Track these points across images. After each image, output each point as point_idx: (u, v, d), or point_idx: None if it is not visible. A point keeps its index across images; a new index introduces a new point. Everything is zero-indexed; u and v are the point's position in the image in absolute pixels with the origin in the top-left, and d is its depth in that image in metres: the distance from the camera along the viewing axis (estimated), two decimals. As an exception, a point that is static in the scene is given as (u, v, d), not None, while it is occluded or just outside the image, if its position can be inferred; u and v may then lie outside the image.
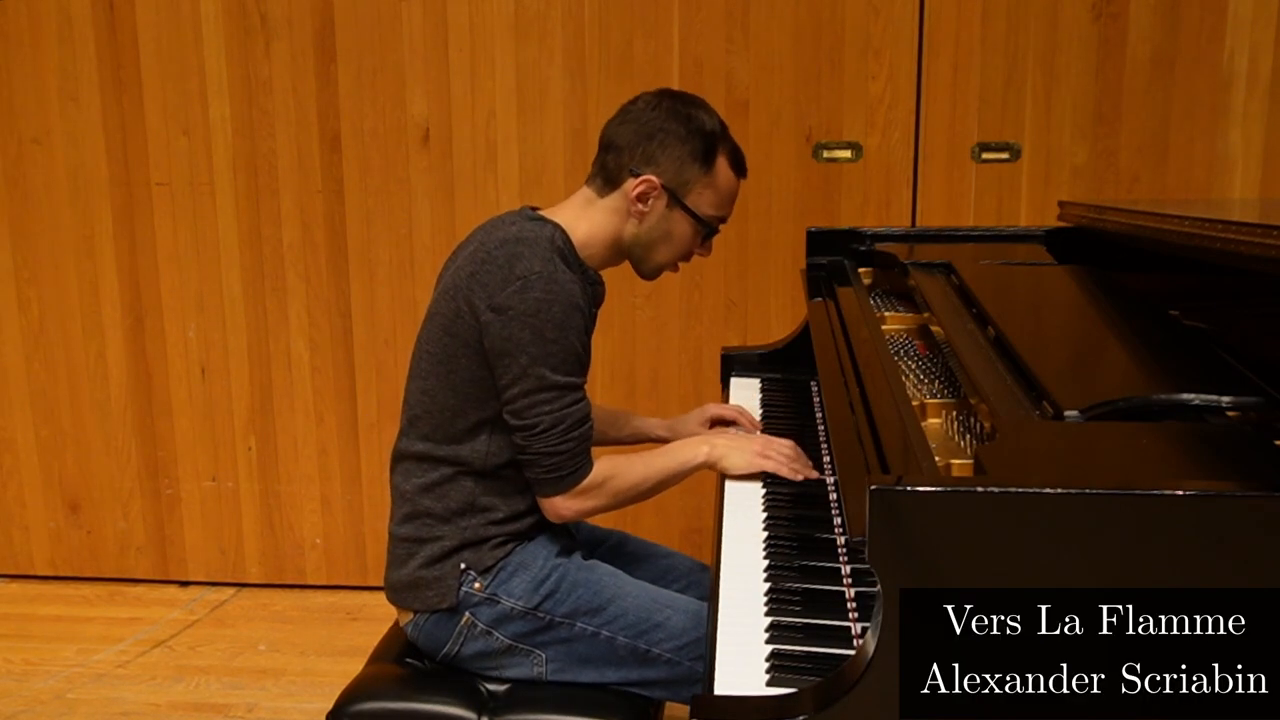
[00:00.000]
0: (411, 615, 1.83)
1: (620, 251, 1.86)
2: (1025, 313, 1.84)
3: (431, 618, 1.80)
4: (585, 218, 1.83)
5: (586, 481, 1.75)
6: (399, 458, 1.86)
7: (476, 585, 1.78)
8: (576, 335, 1.72)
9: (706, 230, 1.86)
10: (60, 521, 3.36)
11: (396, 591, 1.84)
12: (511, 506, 1.80)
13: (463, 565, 1.79)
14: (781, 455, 1.82)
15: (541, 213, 1.83)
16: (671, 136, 1.79)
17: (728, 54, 2.95)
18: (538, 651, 1.78)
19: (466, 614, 1.78)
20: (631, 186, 1.79)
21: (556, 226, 1.78)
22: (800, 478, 1.80)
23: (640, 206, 1.80)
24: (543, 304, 1.68)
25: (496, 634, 1.78)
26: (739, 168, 1.87)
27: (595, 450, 1.81)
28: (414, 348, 1.85)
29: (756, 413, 2.17)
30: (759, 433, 2.02)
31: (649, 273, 1.90)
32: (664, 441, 2.02)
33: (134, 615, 3.22)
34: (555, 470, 1.73)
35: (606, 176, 1.83)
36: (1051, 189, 2.92)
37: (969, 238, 2.40)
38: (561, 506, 1.77)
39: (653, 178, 1.79)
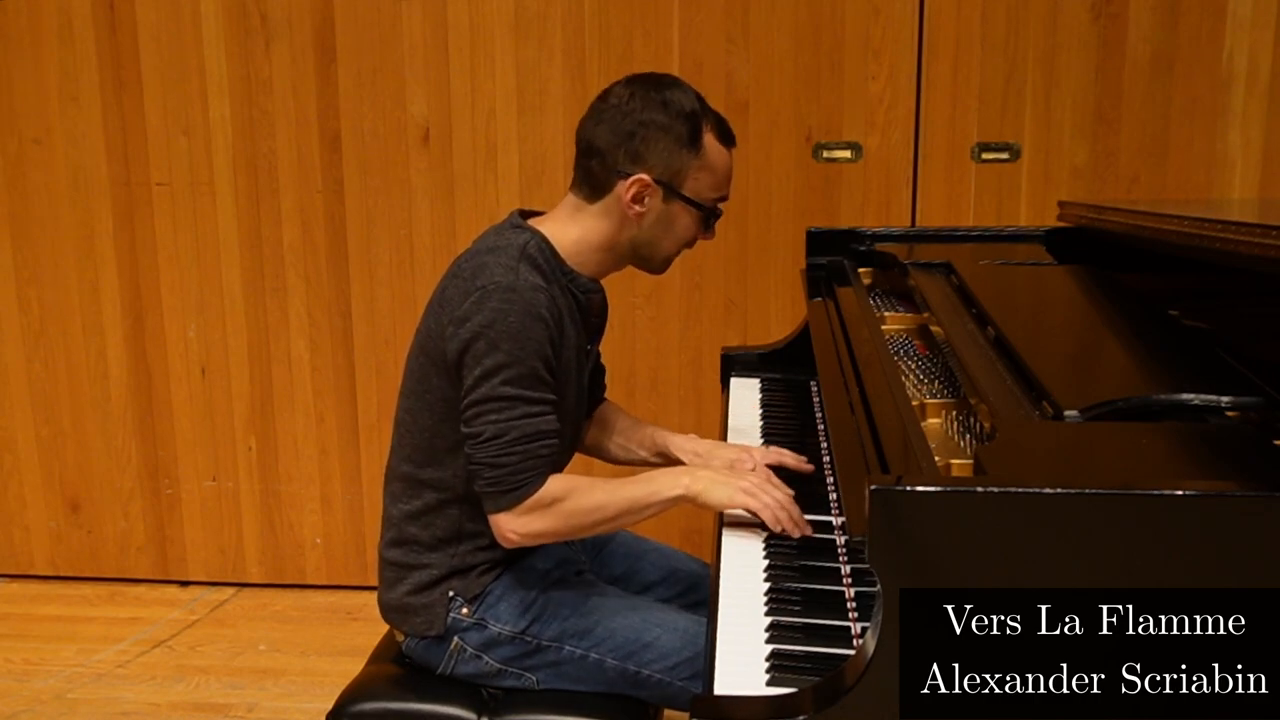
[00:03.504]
0: (404, 636, 1.83)
1: (620, 255, 1.79)
2: (1025, 313, 1.84)
3: (423, 641, 1.79)
4: (574, 225, 1.75)
5: (533, 499, 1.64)
6: (388, 478, 1.83)
7: (464, 611, 1.76)
8: (535, 347, 1.63)
9: (710, 215, 1.78)
10: (60, 521, 3.36)
11: (387, 612, 1.84)
12: None
13: (450, 593, 1.76)
14: (770, 499, 1.67)
15: (530, 221, 1.78)
16: (654, 128, 1.70)
17: (728, 54, 2.95)
18: (528, 674, 1.77)
19: (456, 639, 1.77)
20: (624, 190, 1.71)
21: (535, 234, 1.72)
22: (779, 528, 1.65)
23: (637, 208, 1.72)
24: (499, 314, 1.61)
25: (486, 658, 1.76)
26: (727, 139, 1.77)
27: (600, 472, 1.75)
28: (405, 362, 1.82)
29: (756, 413, 2.17)
30: (763, 462, 1.85)
31: (658, 268, 1.83)
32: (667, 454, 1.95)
33: (134, 615, 3.22)
34: (495, 484, 1.64)
35: (593, 183, 1.74)
36: (1051, 189, 2.92)
37: (969, 238, 2.40)
38: (505, 525, 1.66)
39: (644, 176, 1.70)
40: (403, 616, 1.80)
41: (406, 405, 1.78)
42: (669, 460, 1.96)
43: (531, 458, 1.63)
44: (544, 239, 1.72)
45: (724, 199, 1.80)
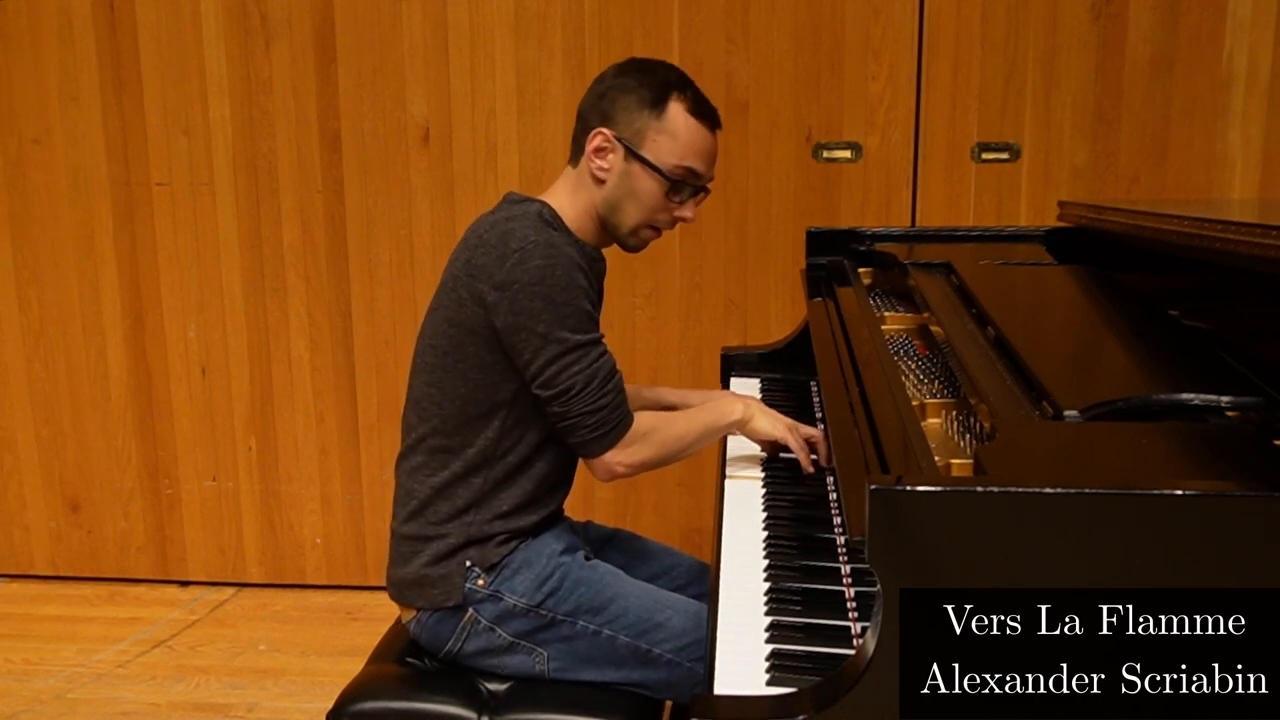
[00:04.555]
0: (415, 612, 1.83)
1: (598, 219, 1.84)
2: (1025, 313, 1.84)
3: (435, 614, 1.80)
4: (569, 194, 1.83)
5: (632, 432, 1.76)
6: (407, 453, 1.85)
7: (480, 582, 1.78)
8: (584, 294, 1.72)
9: (671, 183, 1.80)
10: (60, 521, 3.36)
11: (400, 589, 1.84)
12: (517, 500, 1.80)
13: (467, 562, 1.78)
14: (804, 436, 1.85)
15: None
16: (620, 89, 1.79)
17: (728, 54, 2.95)
18: (539, 649, 1.78)
19: (470, 610, 1.78)
20: (589, 144, 1.80)
21: (542, 203, 1.80)
22: (809, 467, 1.83)
23: (599, 163, 1.79)
24: (545, 270, 1.68)
25: (499, 630, 1.78)
26: (704, 116, 1.81)
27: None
28: (416, 344, 1.85)
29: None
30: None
31: (626, 238, 1.85)
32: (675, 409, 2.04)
33: (134, 615, 3.22)
34: (600, 426, 1.73)
35: (575, 146, 1.84)
36: (1051, 189, 2.92)
37: (969, 238, 2.40)
38: (612, 462, 1.76)
39: (604, 130, 1.78)
40: (419, 590, 1.81)
41: (432, 379, 1.80)
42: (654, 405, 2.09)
43: (619, 393, 1.75)
44: (551, 208, 1.80)
45: (699, 176, 1.82)
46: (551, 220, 1.77)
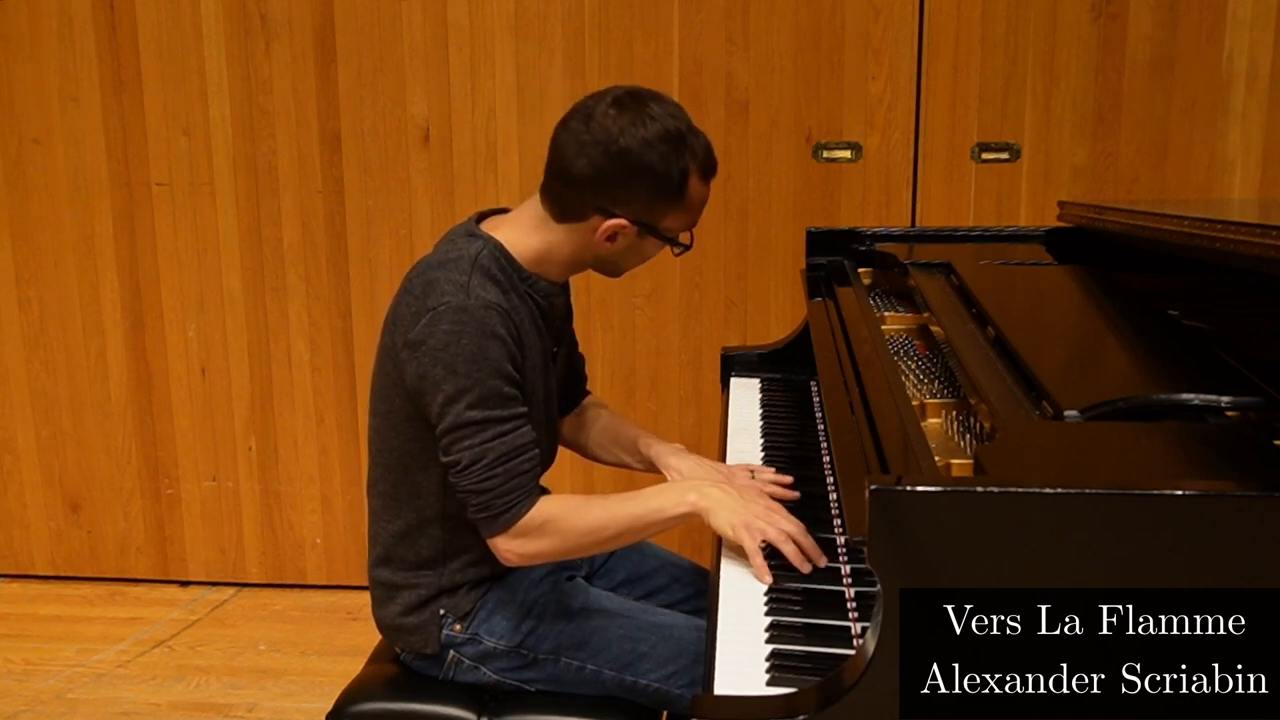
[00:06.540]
0: (401, 651, 1.82)
1: (582, 266, 1.75)
2: (1025, 313, 1.84)
3: (418, 656, 1.79)
4: (539, 236, 1.70)
5: (524, 522, 1.60)
6: (368, 493, 1.80)
7: (457, 628, 1.75)
8: (494, 366, 1.58)
9: (682, 245, 1.74)
10: (60, 521, 3.36)
11: (383, 628, 1.83)
12: (483, 548, 1.70)
13: (441, 611, 1.75)
14: (776, 531, 1.58)
15: (485, 225, 1.73)
16: (640, 175, 1.62)
17: (728, 54, 2.95)
18: (525, 687, 1.76)
19: (451, 653, 1.76)
20: (600, 225, 1.66)
21: (488, 242, 1.67)
22: (807, 569, 1.56)
23: (609, 244, 1.68)
24: (452, 337, 1.57)
25: (483, 669, 1.75)
26: (709, 173, 1.69)
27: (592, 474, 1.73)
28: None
29: (756, 413, 2.17)
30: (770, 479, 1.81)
31: (617, 276, 1.81)
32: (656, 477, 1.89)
33: (134, 615, 3.22)
34: (485, 509, 1.61)
35: (564, 207, 1.68)
36: (1051, 189, 2.92)
37: (969, 238, 2.40)
38: (503, 548, 1.63)
39: (623, 220, 1.65)
40: (397, 634, 1.79)
41: (374, 424, 1.74)
42: (654, 469, 1.91)
43: (515, 476, 1.60)
44: (499, 246, 1.68)
45: (694, 222, 1.74)
46: (490, 265, 1.64)
